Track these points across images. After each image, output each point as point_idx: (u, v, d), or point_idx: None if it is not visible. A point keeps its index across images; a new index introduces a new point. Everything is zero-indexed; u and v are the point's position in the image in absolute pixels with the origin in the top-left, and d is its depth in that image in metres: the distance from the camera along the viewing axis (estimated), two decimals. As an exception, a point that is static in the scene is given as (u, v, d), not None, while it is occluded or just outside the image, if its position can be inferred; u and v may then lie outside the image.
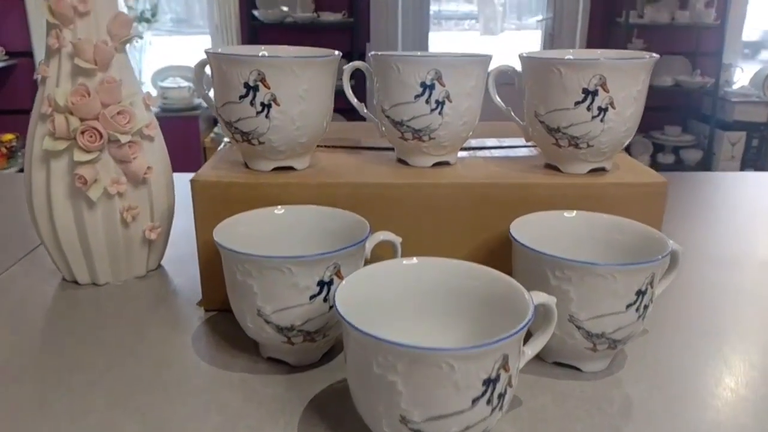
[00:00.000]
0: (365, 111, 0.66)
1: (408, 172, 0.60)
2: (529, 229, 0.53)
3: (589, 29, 3.47)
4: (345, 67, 0.64)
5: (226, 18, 3.28)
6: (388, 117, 0.60)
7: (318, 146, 0.65)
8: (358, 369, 0.38)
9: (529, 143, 0.66)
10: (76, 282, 0.66)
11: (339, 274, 0.47)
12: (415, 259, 0.46)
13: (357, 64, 0.64)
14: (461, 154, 0.66)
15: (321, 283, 0.47)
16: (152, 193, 0.64)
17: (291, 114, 0.55)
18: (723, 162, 3.52)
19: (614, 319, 0.47)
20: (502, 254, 0.56)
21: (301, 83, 0.55)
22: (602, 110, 0.55)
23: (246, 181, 0.57)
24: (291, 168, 0.60)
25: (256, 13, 3.14)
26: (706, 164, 3.53)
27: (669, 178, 0.58)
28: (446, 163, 0.63)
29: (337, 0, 3.25)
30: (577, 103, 0.55)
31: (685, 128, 3.67)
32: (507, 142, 0.73)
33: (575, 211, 0.55)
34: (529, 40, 3.79)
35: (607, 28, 3.47)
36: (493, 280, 0.43)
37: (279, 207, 0.55)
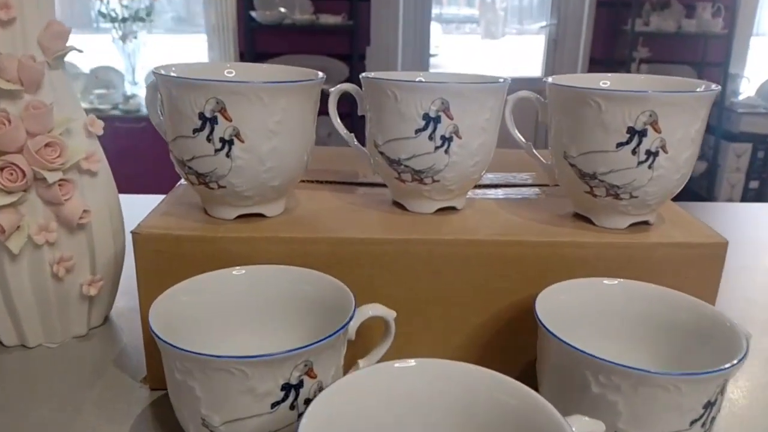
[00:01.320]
0: (355, 143, 0.55)
1: (405, 222, 0.49)
2: (560, 303, 0.42)
3: (594, 36, 3.36)
4: (331, 90, 0.53)
5: (223, 19, 3.16)
6: (382, 153, 0.49)
7: (301, 180, 0.54)
8: None
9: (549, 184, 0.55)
10: (2, 344, 0.54)
11: (311, 374, 0.36)
12: (412, 362, 0.34)
13: (345, 87, 0.52)
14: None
15: (287, 387, 0.35)
16: (93, 241, 0.53)
17: (259, 152, 0.44)
18: (728, 174, 3.42)
19: (674, 439, 0.36)
20: (522, 330, 0.45)
21: (271, 114, 0.43)
22: (651, 154, 0.44)
23: (201, 234, 0.45)
24: (261, 215, 0.48)
25: (253, 14, 3.02)
26: (710, 176, 3.43)
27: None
28: (452, 209, 0.52)
29: (336, 2, 3.13)
30: (620, 145, 0.44)
31: (691, 139, 3.56)
32: (519, 178, 0.61)
33: (617, 280, 0.44)
34: (532, 45, 3.68)
35: (612, 35, 3.36)
36: (518, 397, 0.32)
37: (239, 267, 0.44)
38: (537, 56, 3.57)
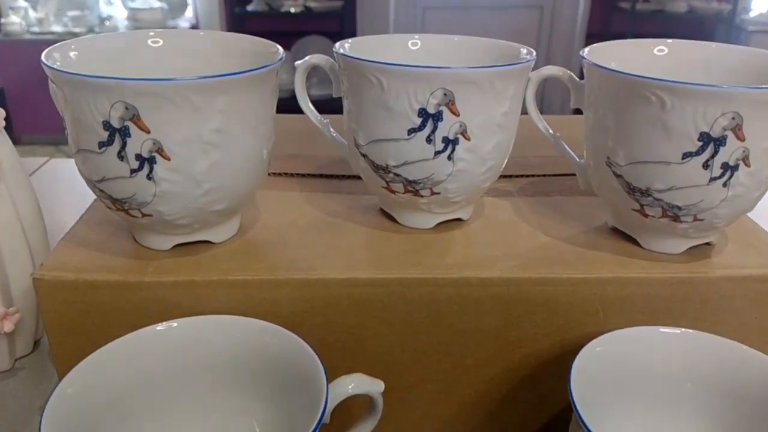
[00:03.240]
0: (333, 134, 0.43)
1: (397, 249, 0.37)
2: (605, 365, 0.32)
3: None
4: (297, 65, 0.40)
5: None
6: (364, 156, 0.37)
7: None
8: None
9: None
10: None
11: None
12: None
13: (315, 60, 0.40)
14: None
15: None
16: (3, 266, 0.42)
17: (192, 172, 0.32)
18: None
19: None
20: (546, 379, 0.37)
21: (206, 120, 0.31)
22: (729, 169, 0.32)
23: (123, 278, 0.34)
24: (206, 241, 0.37)
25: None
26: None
27: None
28: (457, 220, 0.40)
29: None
30: (688, 156, 0.32)
31: (699, 60, 3.38)
32: (533, 163, 0.50)
33: (679, 329, 0.34)
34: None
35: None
36: None
37: (167, 323, 0.33)
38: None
